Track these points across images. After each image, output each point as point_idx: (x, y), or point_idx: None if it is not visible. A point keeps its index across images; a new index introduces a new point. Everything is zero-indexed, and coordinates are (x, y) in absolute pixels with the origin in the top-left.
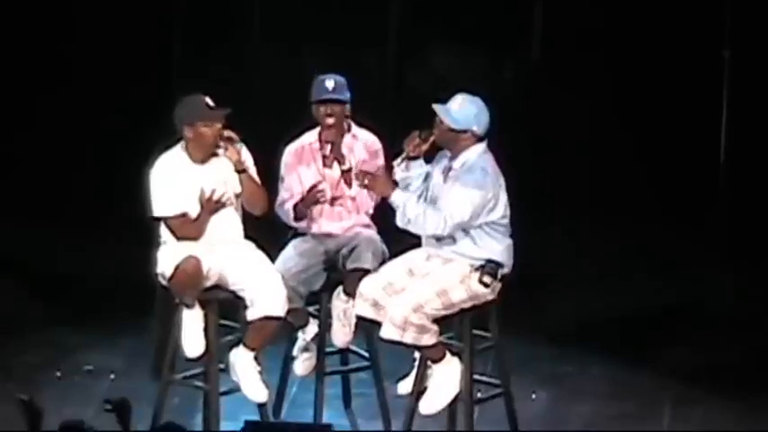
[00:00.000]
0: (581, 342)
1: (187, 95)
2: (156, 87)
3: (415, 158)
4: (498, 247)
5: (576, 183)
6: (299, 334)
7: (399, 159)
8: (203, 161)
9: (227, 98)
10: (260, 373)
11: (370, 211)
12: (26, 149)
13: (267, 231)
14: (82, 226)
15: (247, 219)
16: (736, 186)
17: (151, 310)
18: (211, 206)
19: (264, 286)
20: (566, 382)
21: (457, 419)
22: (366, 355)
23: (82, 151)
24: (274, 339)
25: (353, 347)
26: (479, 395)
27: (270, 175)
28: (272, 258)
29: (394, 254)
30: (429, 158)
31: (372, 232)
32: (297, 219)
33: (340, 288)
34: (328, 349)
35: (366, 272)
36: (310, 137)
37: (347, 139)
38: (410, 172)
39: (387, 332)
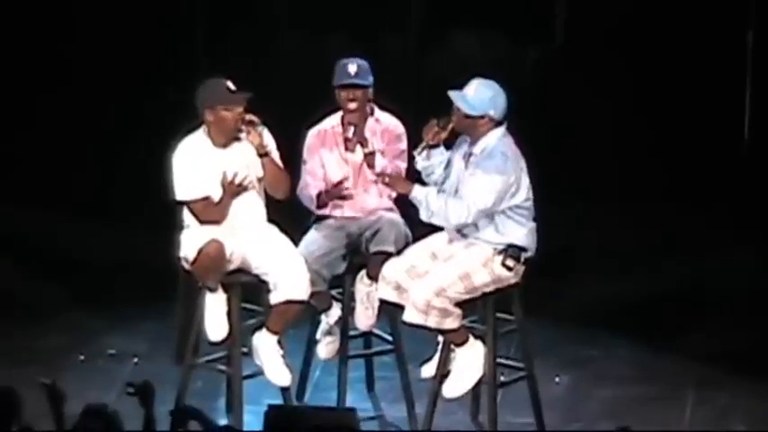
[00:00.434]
0: (604, 325)
1: (209, 79)
2: (179, 71)
3: (434, 146)
4: (522, 231)
5: (599, 167)
6: (323, 317)
7: (420, 148)
8: (225, 145)
9: (249, 83)
10: (283, 356)
11: (393, 195)
12: (49, 133)
13: (290, 215)
14: (107, 211)
15: (270, 202)
16: (758, 169)
17: (174, 294)
18: (234, 189)
19: (287, 270)
20: (589, 365)
21: (480, 403)
22: (389, 338)
23: (102, 135)
24: (297, 323)
25: (377, 331)
26: (503, 378)
27: (292, 159)
28: (295, 242)
29: (417, 237)
30: (449, 145)
31: (395, 215)
32: (319, 207)
33: (363, 271)
34: (351, 333)
35: (389, 255)
36: (333, 121)
37: (370, 122)
38: (431, 160)
39: (410, 316)
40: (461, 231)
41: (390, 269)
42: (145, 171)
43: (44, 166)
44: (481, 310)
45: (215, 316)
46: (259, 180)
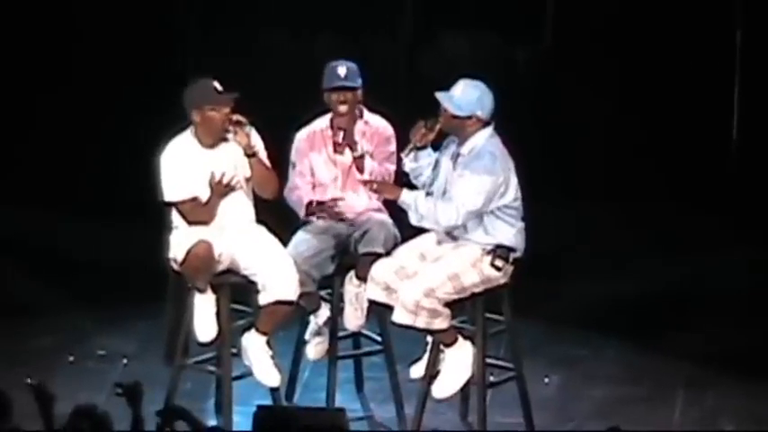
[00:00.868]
0: (594, 326)
1: (197, 80)
2: (167, 72)
3: (422, 148)
4: (510, 232)
5: (589, 167)
6: (312, 318)
7: (407, 150)
8: (213, 146)
9: (237, 83)
10: (272, 357)
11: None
12: (36, 133)
13: (279, 215)
14: (95, 211)
15: (259, 203)
16: (748, 169)
17: (164, 295)
18: (221, 189)
19: (276, 270)
20: (578, 365)
21: (470, 403)
22: (378, 339)
23: (94, 136)
24: (286, 323)
25: (366, 331)
26: (492, 379)
27: (280, 160)
28: (284, 242)
29: (406, 238)
30: (437, 146)
31: (384, 216)
32: (308, 215)
33: (352, 272)
34: (341, 333)
35: (378, 256)
36: (322, 123)
37: (359, 125)
38: (419, 162)
39: (399, 316)
40: (450, 233)
41: (379, 270)
42: (137, 172)
43: (37, 167)
44: (470, 311)
45: (204, 317)
46: (247, 180)
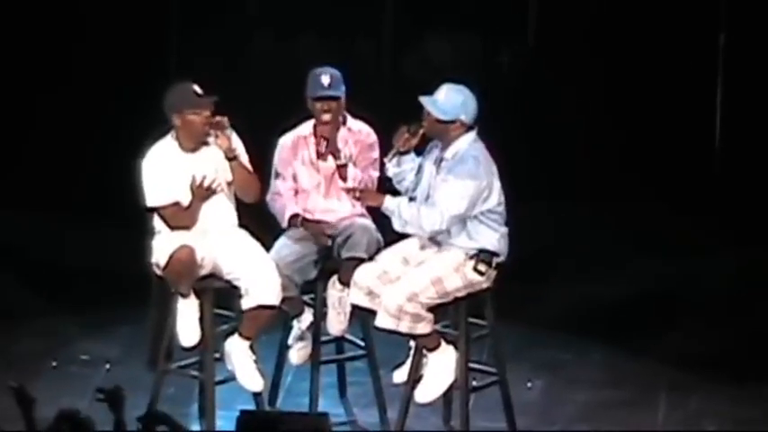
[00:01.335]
0: (576, 329)
1: (178, 83)
2: (151, 76)
3: (405, 153)
4: (494, 236)
5: (572, 169)
6: (295, 323)
7: (390, 155)
8: (194, 150)
9: (220, 85)
10: (255, 361)
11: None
12: (27, 140)
13: (261, 220)
14: (79, 215)
15: (242, 207)
16: (731, 171)
17: (147, 300)
18: (202, 193)
19: (259, 275)
20: (561, 369)
21: (453, 408)
22: (361, 343)
23: (81, 142)
24: (269, 328)
25: (349, 336)
26: (475, 383)
27: (262, 163)
28: (267, 247)
29: (389, 242)
30: (420, 150)
31: (367, 221)
32: (289, 225)
33: (335, 277)
34: (324, 338)
35: (361, 260)
36: (305, 129)
37: (342, 132)
38: (402, 167)
39: (382, 321)
40: (434, 238)
41: (362, 274)
42: (117, 174)
43: (24, 171)
44: (453, 315)
45: (187, 321)
46: (228, 184)
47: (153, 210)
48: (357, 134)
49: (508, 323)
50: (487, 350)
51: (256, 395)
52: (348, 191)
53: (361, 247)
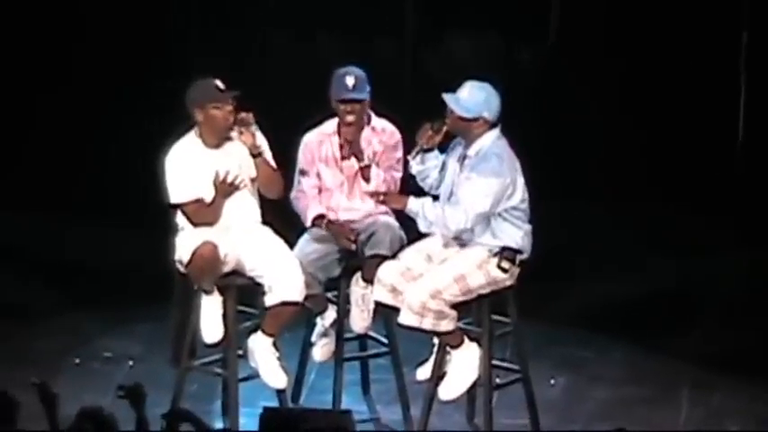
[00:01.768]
0: (599, 327)
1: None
2: (170, 73)
3: (429, 150)
4: (518, 234)
5: (594, 168)
6: (318, 320)
7: (414, 153)
8: (217, 146)
9: (242, 84)
10: (278, 358)
11: None
12: (41, 137)
13: (285, 217)
14: (102, 213)
15: (265, 204)
16: (752, 170)
17: (169, 297)
18: (225, 189)
19: (282, 272)
20: (584, 366)
21: (476, 405)
22: (385, 340)
23: (96, 137)
24: (292, 325)
25: (372, 333)
26: (498, 380)
27: (285, 161)
28: (291, 244)
29: (412, 240)
30: (443, 148)
31: (390, 218)
32: (313, 225)
33: (358, 274)
34: (347, 335)
35: (384, 258)
36: (329, 127)
37: (366, 132)
38: (426, 164)
39: (405, 318)
40: (458, 236)
41: (385, 272)
42: (142, 174)
43: (41, 169)
44: (476, 312)
45: (210, 318)
46: (252, 180)
47: (176, 206)
48: (381, 134)
49: (531, 321)
50: (510, 347)
51: (279, 392)
52: (371, 195)
53: (385, 245)
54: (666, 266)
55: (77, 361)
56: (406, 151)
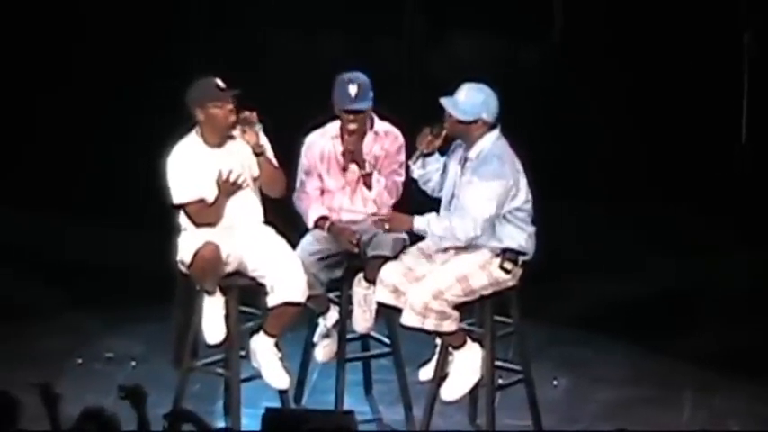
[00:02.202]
0: (601, 328)
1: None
2: (171, 73)
3: (429, 155)
4: (521, 236)
5: (596, 168)
6: (320, 320)
7: (414, 158)
8: (219, 145)
9: (243, 83)
10: (281, 359)
11: (391, 202)
12: (42, 136)
13: (288, 217)
14: (105, 213)
15: (268, 205)
16: (754, 171)
17: (171, 297)
18: (228, 188)
19: (284, 272)
20: (586, 367)
21: (478, 405)
22: (387, 341)
23: (97, 137)
24: (295, 325)
25: (374, 334)
26: (500, 381)
27: (287, 160)
28: (293, 244)
29: (414, 240)
30: (444, 150)
31: None
32: (315, 227)
33: (361, 275)
34: (349, 335)
35: (386, 258)
36: (332, 129)
37: (368, 137)
38: (427, 168)
39: (407, 319)
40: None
41: (388, 272)
42: (143, 174)
43: (42, 169)
44: (479, 313)
45: (213, 319)
46: (254, 180)
47: (178, 207)
48: (383, 138)
49: (533, 321)
50: (513, 348)
51: (282, 392)
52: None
53: (387, 246)
54: (668, 267)
55: (79, 361)
56: (408, 155)
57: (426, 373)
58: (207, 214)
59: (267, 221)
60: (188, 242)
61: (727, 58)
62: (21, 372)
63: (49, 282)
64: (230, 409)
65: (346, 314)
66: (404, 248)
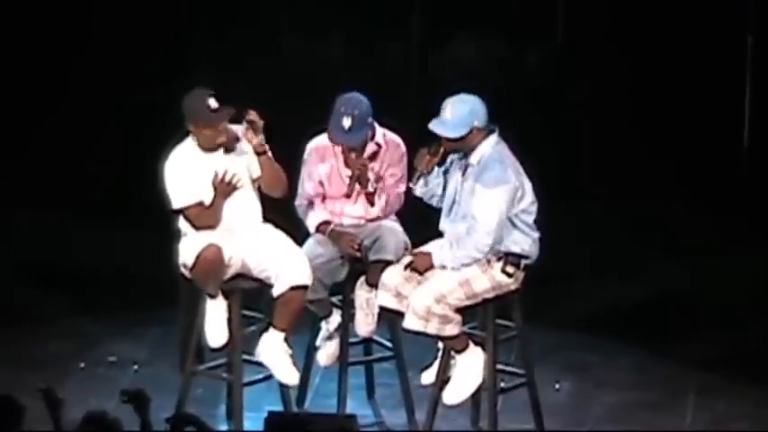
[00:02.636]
0: (604, 331)
1: (196, 89)
2: (178, 75)
3: (429, 173)
4: (526, 241)
5: (599, 170)
6: (323, 324)
7: (415, 179)
8: (215, 148)
9: (247, 85)
10: (291, 356)
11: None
12: (46, 138)
13: (289, 218)
14: (107, 217)
15: (269, 207)
16: (757, 173)
17: (175, 302)
18: (224, 188)
19: (287, 258)
20: (589, 371)
21: (481, 409)
22: (389, 345)
23: (103, 141)
24: (297, 329)
25: (377, 337)
26: (503, 385)
27: (289, 163)
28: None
29: (416, 244)
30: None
31: (395, 223)
32: (317, 231)
33: (363, 278)
34: (352, 339)
35: (389, 262)
36: None
37: (370, 147)
38: (429, 186)
39: (410, 322)
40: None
41: (390, 276)
42: (149, 177)
43: (47, 172)
44: (481, 317)
45: (215, 322)
46: (253, 181)
47: (178, 212)
48: (384, 150)
49: (536, 325)
50: (515, 352)
51: (284, 395)
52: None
53: (389, 250)
54: (673, 269)
55: (82, 365)
56: (410, 159)
57: (428, 376)
58: (206, 217)
59: (266, 221)
60: (189, 246)
61: (731, 59)
62: (24, 376)
63: (52, 286)
64: (233, 412)
65: (349, 318)
66: (406, 252)
